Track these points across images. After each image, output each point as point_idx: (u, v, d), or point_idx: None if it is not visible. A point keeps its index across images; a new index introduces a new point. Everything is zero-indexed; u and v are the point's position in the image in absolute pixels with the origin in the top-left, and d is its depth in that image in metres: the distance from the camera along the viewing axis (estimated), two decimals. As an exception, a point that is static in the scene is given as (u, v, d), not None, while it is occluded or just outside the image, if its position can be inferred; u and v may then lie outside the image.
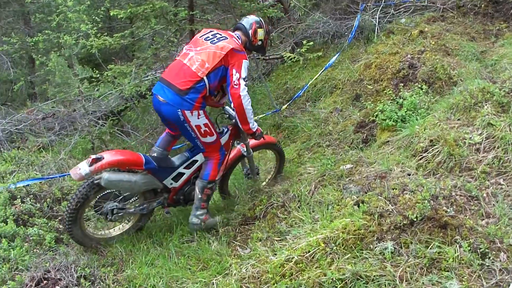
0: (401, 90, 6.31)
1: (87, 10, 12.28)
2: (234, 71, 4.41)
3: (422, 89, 6.08)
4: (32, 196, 5.15)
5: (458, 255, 3.26)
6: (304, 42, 8.35)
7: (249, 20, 4.89)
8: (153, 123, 9.42)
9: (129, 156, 4.53)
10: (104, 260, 4.35)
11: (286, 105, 7.78)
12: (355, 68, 7.83)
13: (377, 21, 8.64)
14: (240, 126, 4.69)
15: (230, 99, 4.46)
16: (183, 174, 4.84)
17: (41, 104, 10.86)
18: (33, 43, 12.74)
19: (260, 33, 4.87)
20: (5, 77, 15.38)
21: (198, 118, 4.45)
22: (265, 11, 8.00)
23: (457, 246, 3.34)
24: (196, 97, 4.38)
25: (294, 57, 8.26)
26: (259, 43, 4.92)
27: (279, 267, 3.51)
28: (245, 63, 4.47)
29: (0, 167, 6.46)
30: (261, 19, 4.98)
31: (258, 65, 9.01)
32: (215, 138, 4.65)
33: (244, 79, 4.42)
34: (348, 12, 9.67)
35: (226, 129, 4.96)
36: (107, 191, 4.48)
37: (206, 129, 4.53)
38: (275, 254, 3.77)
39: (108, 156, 4.34)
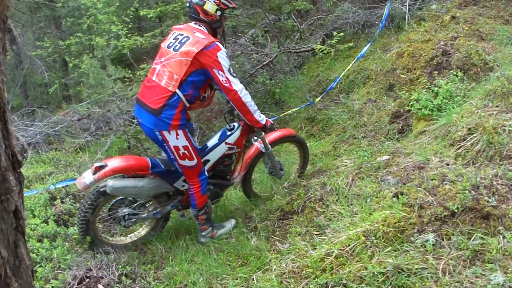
0: (436, 78, 6.20)
1: (116, 11, 12.48)
2: (215, 71, 4.10)
3: (457, 76, 5.97)
4: (71, 196, 5.25)
5: (501, 246, 3.20)
6: (335, 33, 8.32)
7: (191, 2, 4.34)
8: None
9: (134, 162, 4.46)
10: (144, 258, 4.42)
11: (319, 98, 7.73)
12: (387, 57, 7.74)
13: (407, 8, 8.51)
14: (246, 120, 4.49)
15: (227, 99, 4.27)
16: None
17: (76, 106, 11.09)
18: (65, 46, 13.05)
19: (210, 6, 4.30)
20: (40, 81, 15.79)
21: (177, 139, 4.24)
22: (294, 3, 7.97)
23: (501, 237, 3.27)
24: (172, 114, 4.15)
25: (325, 49, 8.22)
26: (218, 13, 4.36)
27: (319, 262, 3.51)
28: (220, 55, 4.11)
29: (39, 168, 6.62)
30: None
31: (289, 59, 8.99)
32: (195, 163, 4.39)
33: (229, 72, 4.14)
34: (377, 1, 9.56)
35: (237, 125, 4.81)
36: (120, 198, 4.47)
37: (185, 152, 4.30)
38: (315, 249, 3.77)
39: (112, 163, 4.31)
